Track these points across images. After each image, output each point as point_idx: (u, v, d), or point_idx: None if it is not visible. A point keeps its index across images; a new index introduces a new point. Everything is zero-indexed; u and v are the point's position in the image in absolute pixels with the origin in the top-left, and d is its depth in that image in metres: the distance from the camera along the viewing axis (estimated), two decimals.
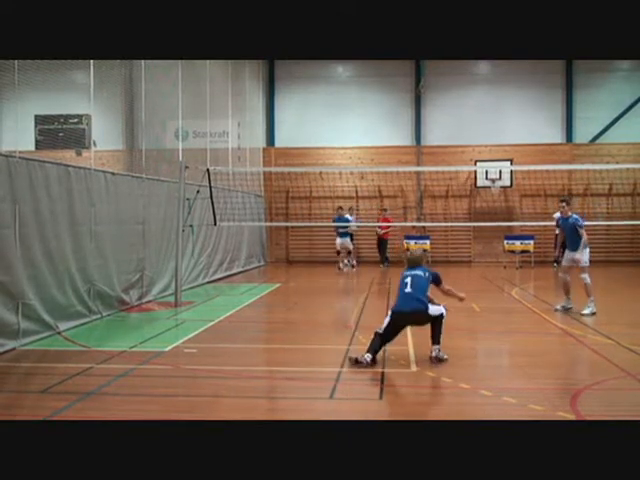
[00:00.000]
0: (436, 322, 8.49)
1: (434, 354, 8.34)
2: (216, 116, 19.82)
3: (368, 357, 8.16)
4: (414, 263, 9.03)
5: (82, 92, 12.46)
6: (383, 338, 8.44)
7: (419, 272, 8.81)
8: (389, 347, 9.15)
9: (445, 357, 8.34)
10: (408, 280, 8.73)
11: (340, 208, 22.73)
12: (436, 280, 8.89)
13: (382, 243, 23.81)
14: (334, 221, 22.62)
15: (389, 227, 23.37)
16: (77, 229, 11.12)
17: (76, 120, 12.99)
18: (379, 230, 23.35)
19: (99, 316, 11.68)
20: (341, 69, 26.26)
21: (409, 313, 8.48)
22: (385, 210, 23.98)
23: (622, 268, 22.89)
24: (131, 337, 10.25)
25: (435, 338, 8.43)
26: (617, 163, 23.48)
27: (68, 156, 13.28)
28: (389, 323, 8.51)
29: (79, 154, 13.20)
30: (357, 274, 21.82)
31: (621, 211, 24.04)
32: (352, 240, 22.86)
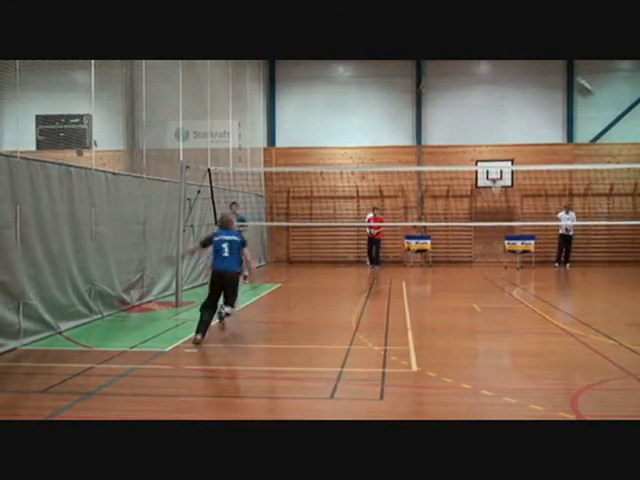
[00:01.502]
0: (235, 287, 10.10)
1: (225, 311, 9.83)
2: (217, 116, 19.82)
3: (198, 337, 9.50)
4: (227, 224, 10.31)
5: (83, 92, 12.46)
6: (211, 302, 9.86)
7: (235, 237, 10.13)
8: (390, 347, 9.16)
9: (231, 312, 9.98)
10: (225, 246, 9.96)
11: (234, 204, 17.56)
12: (244, 244, 10.23)
13: (375, 244, 23.65)
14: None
15: (380, 227, 23.25)
16: (78, 229, 11.12)
17: (77, 120, 12.99)
18: (372, 231, 23.21)
19: (100, 316, 11.69)
20: (341, 69, 26.26)
21: (224, 271, 9.88)
22: (377, 209, 23.75)
23: (623, 268, 22.89)
24: (132, 337, 10.25)
25: (229, 301, 9.95)
26: (618, 163, 23.46)
27: (69, 156, 13.29)
28: (210, 281, 10.09)
29: (80, 154, 13.21)
30: (357, 275, 21.84)
31: (622, 211, 24.04)
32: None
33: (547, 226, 23.67)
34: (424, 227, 24.70)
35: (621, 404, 6.79)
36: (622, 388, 7.36)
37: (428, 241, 24.04)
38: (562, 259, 23.25)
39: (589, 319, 11.74)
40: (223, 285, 9.94)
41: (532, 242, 23.21)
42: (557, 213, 23.30)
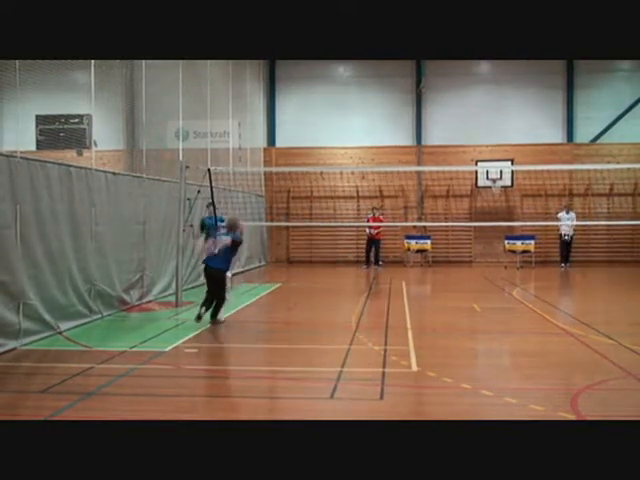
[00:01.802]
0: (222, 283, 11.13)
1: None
2: (217, 116, 19.82)
3: (203, 310, 10.90)
4: (231, 227, 11.45)
5: (83, 92, 12.46)
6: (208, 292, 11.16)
7: (229, 237, 11.18)
8: (390, 347, 9.17)
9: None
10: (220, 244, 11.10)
11: (211, 204, 14.26)
12: (236, 244, 11.25)
13: (374, 244, 23.61)
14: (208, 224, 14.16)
15: (380, 227, 23.30)
16: (78, 229, 11.12)
17: (77, 120, 12.98)
18: (372, 231, 23.24)
19: (100, 316, 11.69)
20: (342, 69, 26.27)
21: (212, 269, 11.07)
22: (376, 209, 23.78)
23: (623, 268, 22.89)
24: (132, 337, 10.25)
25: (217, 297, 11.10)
26: (618, 163, 23.46)
27: (69, 156, 13.29)
28: (205, 277, 11.45)
29: (80, 154, 13.20)
30: (357, 275, 21.85)
31: (622, 211, 24.03)
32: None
33: (547, 226, 23.67)
34: (424, 227, 24.70)
35: (621, 404, 6.79)
36: (622, 388, 7.36)
37: (428, 241, 24.04)
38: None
39: (589, 319, 11.74)
40: (211, 281, 11.17)
41: (532, 242, 23.21)
42: (557, 213, 23.29)
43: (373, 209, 23.65)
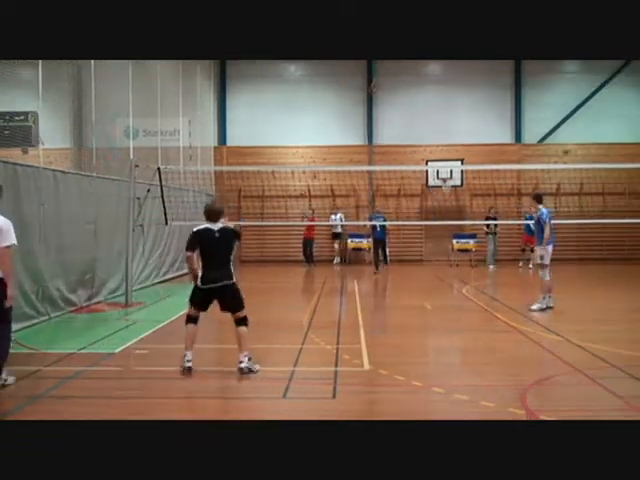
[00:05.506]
0: None
1: None
2: (167, 114, 19.59)
3: None
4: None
5: (29, 89, 12.21)
6: None
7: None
8: (342, 346, 9.19)
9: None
10: None
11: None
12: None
13: (310, 243, 24.18)
14: None
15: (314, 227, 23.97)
16: (25, 229, 10.86)
17: (22, 117, 12.68)
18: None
19: (47, 318, 11.45)
20: (293, 68, 26.24)
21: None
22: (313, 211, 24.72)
23: (570, 266, 23.33)
24: (80, 339, 10.06)
25: None
26: (564, 163, 23.92)
27: (15, 154, 12.99)
28: None
29: (25, 152, 12.91)
30: (308, 274, 21.85)
31: (569, 210, 24.48)
32: None
33: (496, 225, 24.01)
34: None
35: (569, 399, 6.94)
36: (570, 383, 7.51)
37: None
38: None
39: (538, 316, 11.95)
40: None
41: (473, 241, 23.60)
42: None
43: (312, 210, 24.31)
